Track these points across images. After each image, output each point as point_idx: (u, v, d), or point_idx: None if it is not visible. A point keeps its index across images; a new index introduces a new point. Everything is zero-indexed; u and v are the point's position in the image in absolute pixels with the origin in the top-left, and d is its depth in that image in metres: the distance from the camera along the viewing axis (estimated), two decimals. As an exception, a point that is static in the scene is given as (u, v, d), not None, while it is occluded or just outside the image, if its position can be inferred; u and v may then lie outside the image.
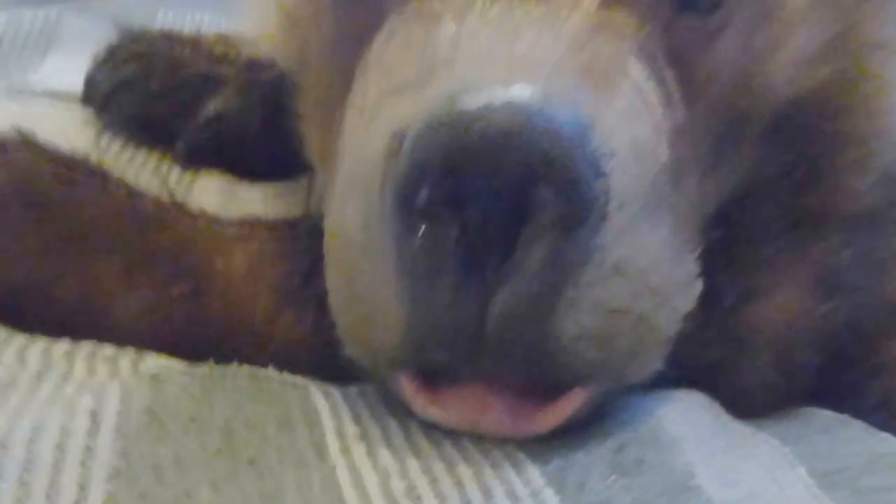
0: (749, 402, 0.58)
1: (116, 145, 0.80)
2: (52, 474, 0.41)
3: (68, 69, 0.87)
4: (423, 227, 0.44)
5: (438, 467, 0.47)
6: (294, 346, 0.56)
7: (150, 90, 0.80)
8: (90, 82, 0.82)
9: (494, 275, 0.44)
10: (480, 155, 0.42)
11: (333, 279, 0.52)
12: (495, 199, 0.43)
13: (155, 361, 0.54)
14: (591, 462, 0.48)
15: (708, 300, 0.54)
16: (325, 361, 0.54)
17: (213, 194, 0.76)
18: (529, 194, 0.43)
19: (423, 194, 0.43)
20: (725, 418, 0.57)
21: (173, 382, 0.50)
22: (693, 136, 0.54)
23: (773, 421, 0.57)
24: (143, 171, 0.78)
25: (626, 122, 0.48)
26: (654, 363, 0.52)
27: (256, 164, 0.80)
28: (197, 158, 0.80)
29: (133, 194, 0.61)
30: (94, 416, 0.45)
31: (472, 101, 0.43)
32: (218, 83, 0.80)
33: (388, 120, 0.47)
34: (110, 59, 0.81)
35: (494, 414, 0.49)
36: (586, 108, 0.45)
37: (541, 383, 0.49)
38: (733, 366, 0.58)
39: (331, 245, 0.52)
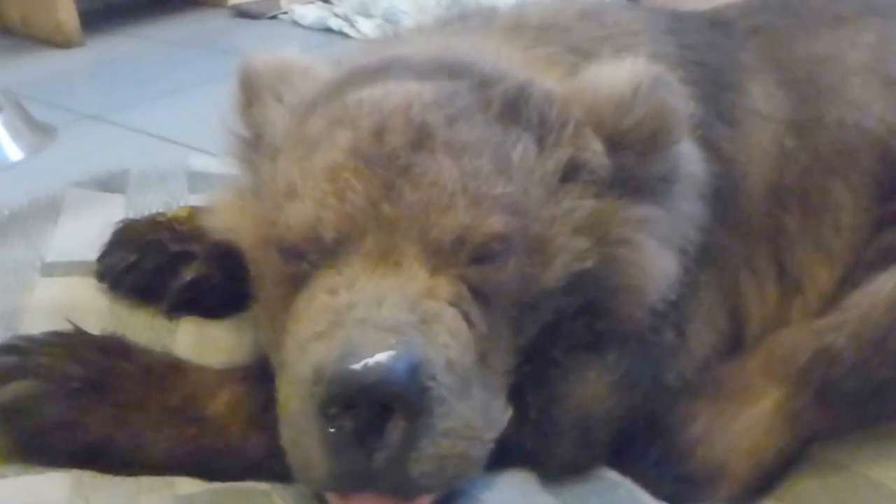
0: (557, 472, 0.92)
1: (124, 304, 1.18)
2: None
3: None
4: (334, 426, 0.74)
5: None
6: (259, 460, 0.91)
7: (146, 268, 1.18)
8: (104, 266, 1.20)
9: (375, 446, 0.74)
10: (364, 395, 0.72)
11: (285, 431, 0.82)
12: (374, 414, 0.73)
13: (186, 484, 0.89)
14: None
15: (521, 405, 0.86)
16: (281, 470, 0.86)
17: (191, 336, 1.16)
18: (391, 408, 0.74)
19: (333, 412, 0.73)
20: (532, 487, 0.90)
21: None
22: (494, 331, 0.83)
23: (569, 484, 0.91)
24: (145, 320, 1.17)
25: (444, 351, 0.77)
26: (474, 476, 0.83)
27: (220, 308, 1.19)
28: (178, 310, 1.19)
29: (149, 356, 0.97)
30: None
31: (356, 362, 0.72)
32: (190, 256, 1.18)
33: (311, 357, 0.76)
34: (118, 247, 1.20)
35: None
36: (419, 352, 0.74)
37: (404, 495, 0.79)
38: (546, 448, 0.91)
39: (283, 410, 0.83)
